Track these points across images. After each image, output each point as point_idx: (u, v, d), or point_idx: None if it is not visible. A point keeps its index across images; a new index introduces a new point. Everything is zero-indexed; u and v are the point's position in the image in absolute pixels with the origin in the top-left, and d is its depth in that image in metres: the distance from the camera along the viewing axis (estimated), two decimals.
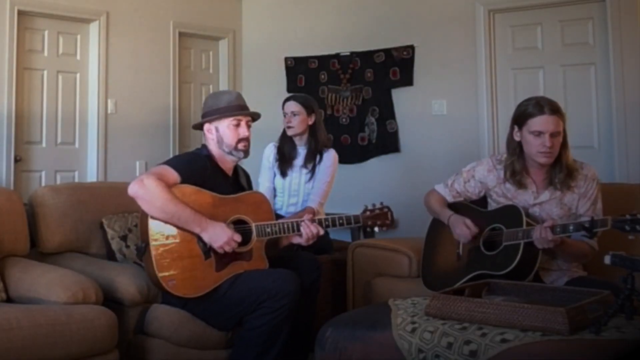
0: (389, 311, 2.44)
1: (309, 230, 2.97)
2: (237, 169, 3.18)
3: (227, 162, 3.08)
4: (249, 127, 3.08)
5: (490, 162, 3.07)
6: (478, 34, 5.42)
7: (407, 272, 3.35)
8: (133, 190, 2.81)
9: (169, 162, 2.97)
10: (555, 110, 2.83)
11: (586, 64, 5.11)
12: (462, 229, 2.98)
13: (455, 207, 3.13)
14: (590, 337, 2.08)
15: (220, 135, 3.03)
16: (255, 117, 3.14)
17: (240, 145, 3.03)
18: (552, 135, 2.81)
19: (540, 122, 2.81)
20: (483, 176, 3.06)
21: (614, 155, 4.90)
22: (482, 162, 3.13)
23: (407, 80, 5.74)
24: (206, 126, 3.08)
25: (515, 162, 2.94)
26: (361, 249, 3.55)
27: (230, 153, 3.04)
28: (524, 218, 2.82)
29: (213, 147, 3.07)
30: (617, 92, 4.89)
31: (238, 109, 3.06)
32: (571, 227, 2.68)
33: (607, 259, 2.26)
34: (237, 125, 3.03)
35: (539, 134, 2.82)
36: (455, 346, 2.14)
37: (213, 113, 3.06)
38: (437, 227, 3.19)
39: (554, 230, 2.68)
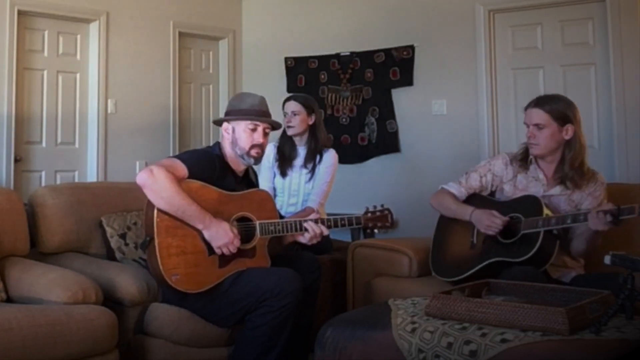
0: (389, 311, 2.44)
1: (312, 231, 2.97)
2: (248, 167, 3.16)
3: (238, 164, 3.07)
4: (266, 134, 3.05)
5: (507, 157, 3.17)
6: (478, 34, 5.42)
7: (407, 272, 3.35)
8: (142, 179, 2.79)
9: (178, 156, 2.98)
10: (540, 103, 2.98)
11: (586, 64, 5.11)
12: (493, 220, 2.96)
13: (469, 200, 3.17)
14: (590, 337, 2.08)
15: (235, 137, 3.02)
16: (275, 125, 3.12)
17: (253, 152, 3.01)
18: (536, 127, 2.95)
19: (525, 115, 3.03)
20: (500, 169, 3.15)
21: (614, 155, 4.90)
22: (497, 157, 3.25)
23: (407, 80, 5.74)
24: (224, 125, 3.07)
25: (528, 150, 3.08)
26: (361, 249, 3.54)
27: (241, 157, 3.02)
28: (544, 208, 2.89)
29: (227, 147, 3.06)
30: (617, 92, 4.89)
31: (258, 114, 3.04)
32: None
33: (607, 259, 2.27)
34: (254, 130, 3.02)
35: (526, 125, 3.01)
36: (455, 346, 2.14)
37: (234, 113, 3.07)
38: (447, 221, 3.22)
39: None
